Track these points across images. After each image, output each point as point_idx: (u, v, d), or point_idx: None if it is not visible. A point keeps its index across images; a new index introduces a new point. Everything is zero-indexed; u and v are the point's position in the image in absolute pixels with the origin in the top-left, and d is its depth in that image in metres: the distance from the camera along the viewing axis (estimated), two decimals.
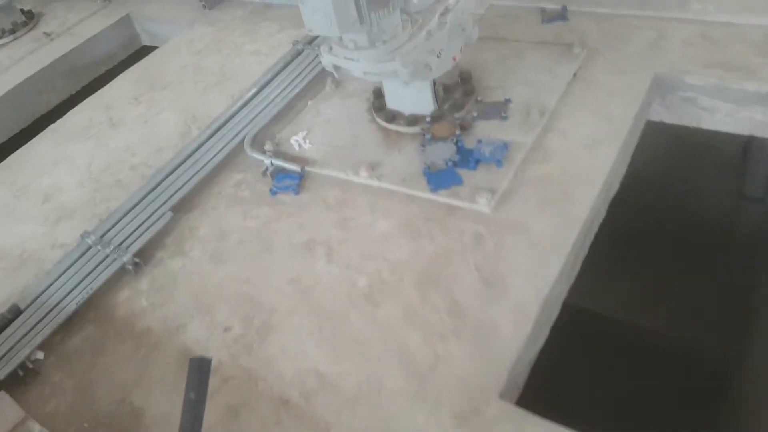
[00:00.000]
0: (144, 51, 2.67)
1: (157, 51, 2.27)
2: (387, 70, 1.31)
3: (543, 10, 1.82)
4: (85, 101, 2.08)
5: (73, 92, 2.46)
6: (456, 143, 1.42)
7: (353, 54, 1.32)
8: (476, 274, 1.18)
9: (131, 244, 1.41)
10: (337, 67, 1.41)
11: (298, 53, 1.90)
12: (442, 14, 1.35)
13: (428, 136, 1.45)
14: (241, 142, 1.64)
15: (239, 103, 1.76)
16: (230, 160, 1.63)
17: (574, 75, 1.56)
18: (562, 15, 1.77)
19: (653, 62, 1.53)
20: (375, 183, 1.43)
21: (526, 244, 1.20)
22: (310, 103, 1.74)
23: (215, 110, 1.83)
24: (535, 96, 1.52)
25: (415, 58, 1.30)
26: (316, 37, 1.94)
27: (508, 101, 1.51)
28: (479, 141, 1.41)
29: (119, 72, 2.26)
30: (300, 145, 1.60)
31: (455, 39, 1.41)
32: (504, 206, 1.29)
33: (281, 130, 1.67)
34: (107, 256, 1.40)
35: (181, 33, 2.34)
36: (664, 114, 1.59)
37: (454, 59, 1.46)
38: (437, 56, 1.35)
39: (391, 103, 1.55)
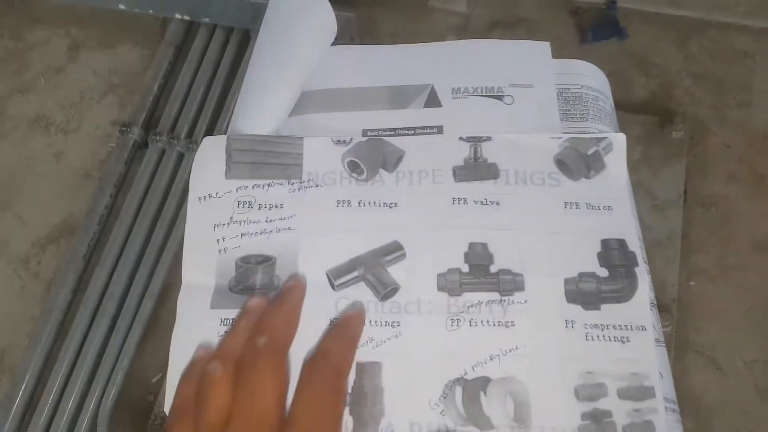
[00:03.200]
0: None
1: None
2: None
3: (576, 10, 0.99)
4: None
5: None
6: None
7: None
8: None
9: None
10: None
11: (138, 147, 0.93)
12: None
13: None
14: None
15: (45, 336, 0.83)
16: None
17: (685, 197, 0.86)
18: (614, 26, 0.96)
19: None
20: None
21: None
22: None
23: None
24: None
25: None
26: (164, 103, 0.96)
27: None
28: None
29: None
30: None
31: None
32: None
33: (158, 368, 0.83)
34: None
35: None
36: None
37: None
38: None
39: None
